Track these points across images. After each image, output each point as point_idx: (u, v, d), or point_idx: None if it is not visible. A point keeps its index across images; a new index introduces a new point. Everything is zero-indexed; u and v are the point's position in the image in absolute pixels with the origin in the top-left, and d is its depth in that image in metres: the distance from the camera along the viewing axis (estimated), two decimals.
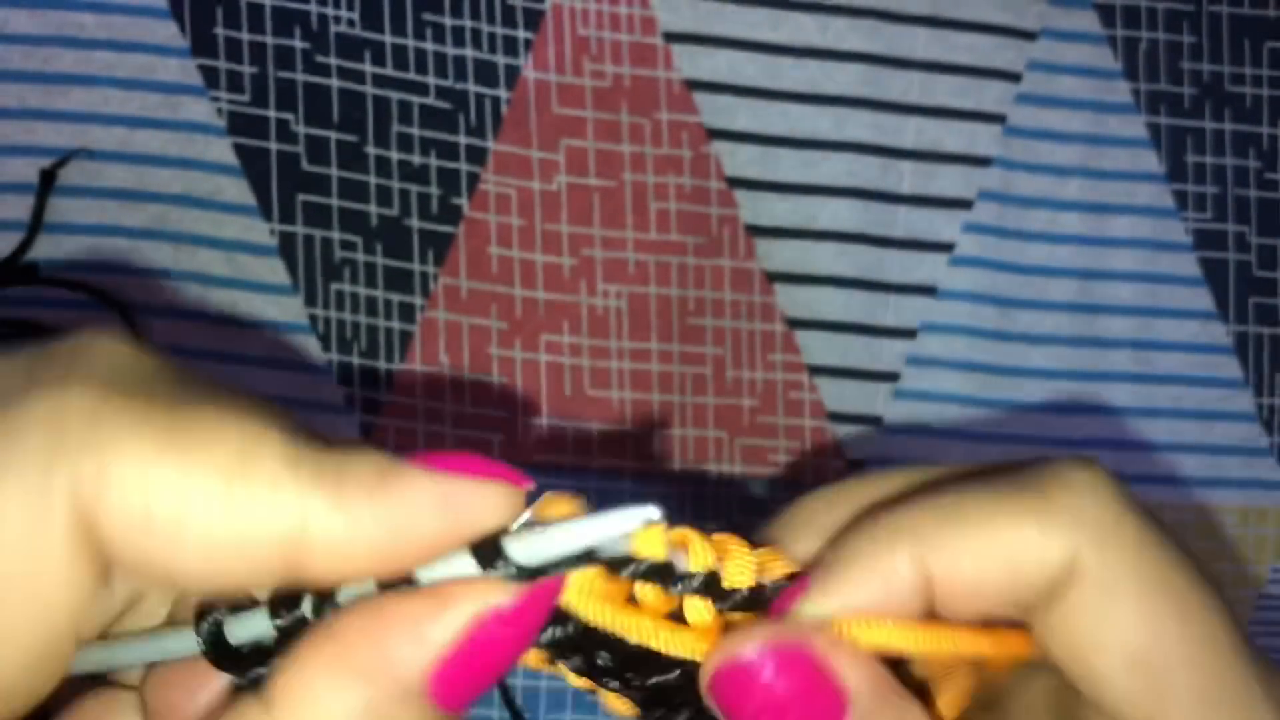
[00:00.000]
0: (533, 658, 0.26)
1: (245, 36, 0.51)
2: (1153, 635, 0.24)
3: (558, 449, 0.52)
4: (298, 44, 0.51)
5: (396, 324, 0.52)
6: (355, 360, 0.51)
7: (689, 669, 0.25)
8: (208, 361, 0.50)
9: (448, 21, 0.52)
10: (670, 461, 0.53)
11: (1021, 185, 0.56)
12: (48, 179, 0.49)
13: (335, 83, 0.51)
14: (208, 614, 0.24)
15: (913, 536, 0.25)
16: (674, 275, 0.53)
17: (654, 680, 0.26)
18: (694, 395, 0.53)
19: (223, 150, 0.50)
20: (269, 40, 0.51)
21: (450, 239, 0.52)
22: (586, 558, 0.23)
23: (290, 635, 0.23)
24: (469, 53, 0.52)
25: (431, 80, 0.52)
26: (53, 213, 0.49)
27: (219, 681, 0.24)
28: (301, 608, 0.23)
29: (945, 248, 0.55)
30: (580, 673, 0.26)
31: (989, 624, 0.26)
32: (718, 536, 0.26)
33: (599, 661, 0.25)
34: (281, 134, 0.51)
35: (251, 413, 0.22)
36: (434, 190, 0.52)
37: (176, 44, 0.50)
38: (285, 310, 0.51)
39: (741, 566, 0.25)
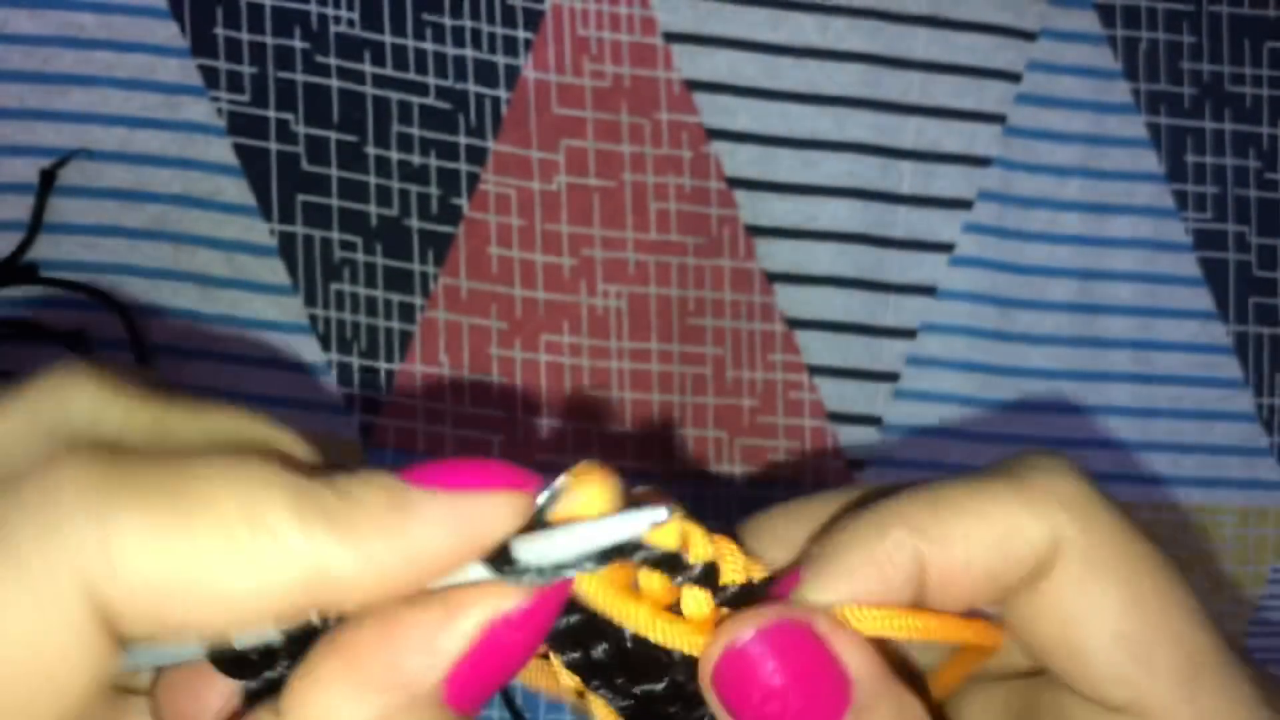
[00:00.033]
0: (534, 675, 0.26)
1: (245, 36, 0.51)
2: (1136, 608, 0.25)
3: (558, 449, 0.52)
4: (298, 44, 0.51)
5: (396, 324, 0.52)
6: (355, 360, 0.51)
7: (677, 680, 0.25)
8: (208, 361, 0.50)
9: (448, 21, 0.52)
10: (670, 462, 0.53)
11: (1021, 185, 0.56)
12: (48, 179, 0.49)
13: (335, 83, 0.51)
14: None
15: (906, 524, 0.25)
16: (674, 275, 0.53)
17: (643, 688, 0.26)
18: (694, 395, 0.53)
19: (223, 150, 0.50)
20: (269, 40, 0.51)
21: (450, 239, 0.52)
22: (595, 559, 0.23)
23: (297, 640, 0.23)
24: (469, 53, 0.52)
25: (431, 80, 0.52)
26: (53, 213, 0.49)
27: (228, 685, 0.24)
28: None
29: (945, 248, 0.55)
30: (575, 668, 0.26)
31: (968, 616, 0.26)
32: (715, 536, 0.26)
33: (594, 655, 0.25)
34: (281, 134, 0.51)
35: (248, 455, 0.21)
36: (434, 190, 0.52)
37: (176, 44, 0.50)
38: (285, 310, 0.51)
39: (737, 562, 0.25)
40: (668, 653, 0.25)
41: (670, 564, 0.25)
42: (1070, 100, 0.56)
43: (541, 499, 0.23)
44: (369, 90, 0.51)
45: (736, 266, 0.54)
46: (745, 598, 0.25)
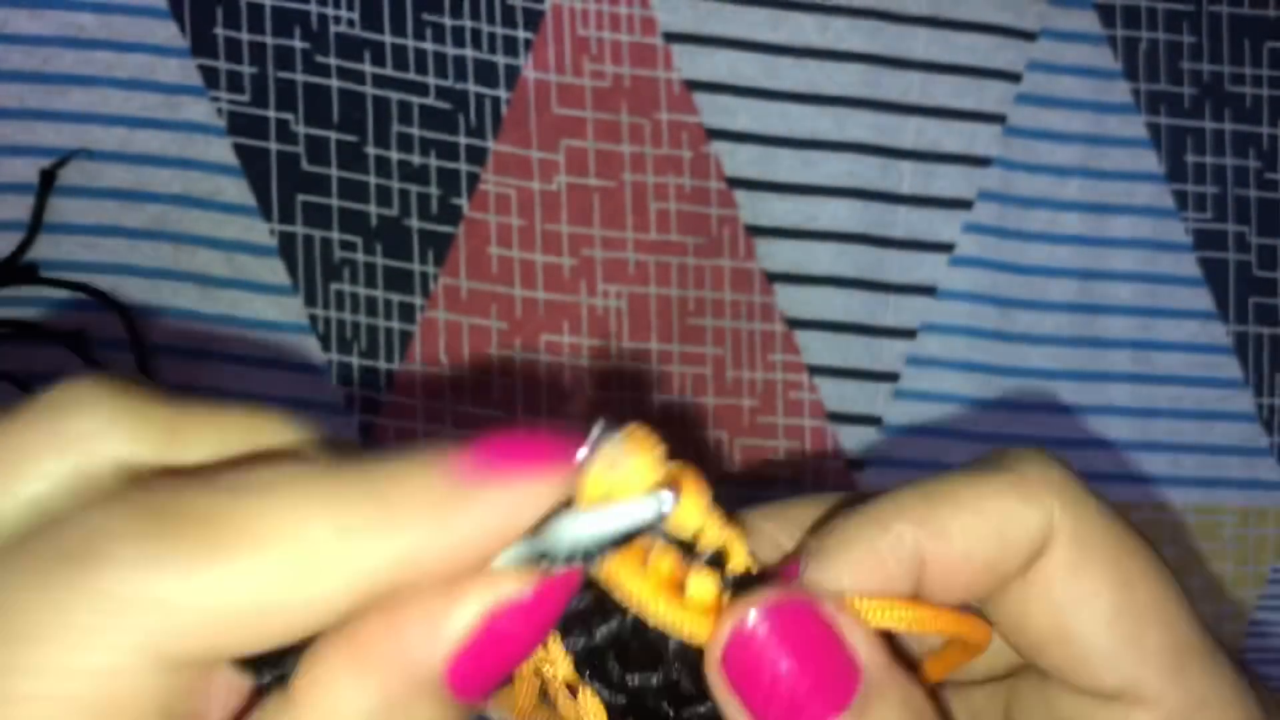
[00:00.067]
0: (503, 698, 0.26)
1: (245, 37, 0.51)
2: (1126, 591, 0.25)
3: None
4: (298, 44, 0.51)
5: (396, 324, 0.52)
6: (355, 360, 0.51)
7: (672, 674, 0.25)
8: (207, 362, 0.50)
9: (448, 21, 0.52)
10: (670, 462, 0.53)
11: (1021, 185, 0.56)
12: (48, 179, 0.49)
13: (335, 83, 0.51)
14: None
15: (907, 518, 0.25)
16: (674, 275, 0.53)
17: (638, 680, 0.26)
18: (694, 395, 0.53)
19: (223, 150, 0.50)
20: (269, 40, 0.51)
21: (450, 239, 0.52)
22: (617, 541, 0.23)
23: None
24: (469, 53, 0.52)
25: (431, 80, 0.52)
26: (53, 213, 0.49)
27: (238, 678, 0.24)
28: None
29: (945, 248, 0.55)
30: (575, 654, 0.26)
31: (960, 609, 0.26)
32: (729, 522, 0.26)
33: (598, 638, 0.25)
34: (281, 134, 0.51)
35: (278, 466, 0.22)
36: (434, 190, 0.52)
37: (176, 44, 0.50)
38: (285, 310, 0.51)
39: (744, 552, 0.25)
40: (666, 638, 0.25)
41: (682, 544, 0.25)
42: (1070, 100, 0.56)
43: (588, 464, 0.23)
44: (369, 90, 0.51)
45: (736, 266, 0.54)
46: (748, 586, 0.25)
